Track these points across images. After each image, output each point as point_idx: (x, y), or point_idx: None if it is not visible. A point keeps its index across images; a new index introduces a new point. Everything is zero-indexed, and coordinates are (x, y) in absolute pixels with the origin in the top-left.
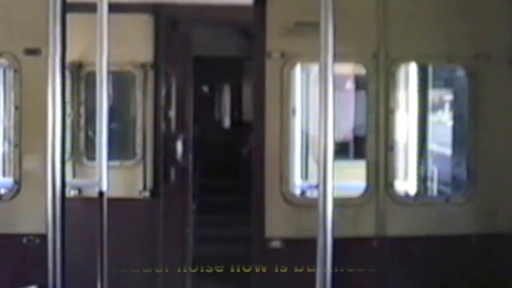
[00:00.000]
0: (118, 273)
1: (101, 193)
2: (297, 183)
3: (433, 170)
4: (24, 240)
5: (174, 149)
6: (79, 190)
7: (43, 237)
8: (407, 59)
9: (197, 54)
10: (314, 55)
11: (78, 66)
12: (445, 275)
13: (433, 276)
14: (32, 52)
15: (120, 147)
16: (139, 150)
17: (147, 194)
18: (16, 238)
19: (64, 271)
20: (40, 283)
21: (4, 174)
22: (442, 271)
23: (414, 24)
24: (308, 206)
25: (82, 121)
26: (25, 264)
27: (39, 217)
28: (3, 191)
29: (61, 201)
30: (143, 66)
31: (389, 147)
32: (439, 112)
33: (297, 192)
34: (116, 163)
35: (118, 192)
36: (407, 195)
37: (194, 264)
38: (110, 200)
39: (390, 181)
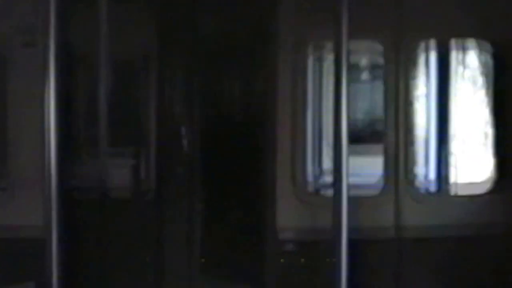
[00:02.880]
0: (121, 274)
1: (103, 193)
2: (311, 178)
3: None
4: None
5: (180, 145)
6: (80, 189)
7: (43, 238)
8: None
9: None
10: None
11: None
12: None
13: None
14: (29, 44)
15: (123, 143)
16: (143, 146)
17: (151, 192)
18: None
19: (61, 269)
20: (37, 280)
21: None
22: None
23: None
24: (322, 204)
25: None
26: (23, 261)
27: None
28: None
29: (60, 199)
30: (147, 57)
31: (409, 141)
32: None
33: (311, 188)
34: (119, 161)
35: (120, 192)
36: (427, 191)
37: (202, 264)
38: (112, 199)
39: (410, 177)
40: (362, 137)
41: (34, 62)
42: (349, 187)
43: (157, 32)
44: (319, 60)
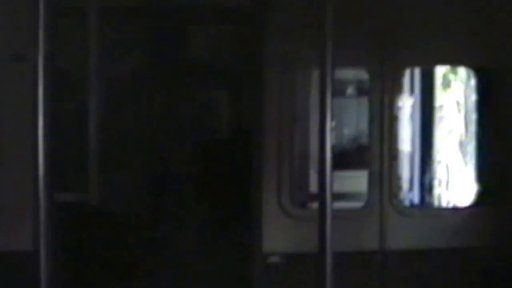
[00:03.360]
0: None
1: (93, 207)
2: (298, 193)
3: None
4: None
5: (169, 160)
6: (70, 204)
7: (34, 252)
8: (413, 63)
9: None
10: (314, 60)
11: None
12: None
13: None
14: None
15: (114, 158)
16: (133, 160)
17: (143, 206)
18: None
19: (51, 283)
20: None
21: None
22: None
23: (420, 28)
24: (308, 219)
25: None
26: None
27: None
28: None
29: (49, 214)
30: (137, 72)
31: (393, 155)
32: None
33: (297, 203)
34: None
35: (112, 207)
36: (412, 206)
37: (188, 279)
38: (103, 213)
39: (394, 191)
40: (347, 151)
41: (23, 76)
42: (334, 200)
43: (144, 49)
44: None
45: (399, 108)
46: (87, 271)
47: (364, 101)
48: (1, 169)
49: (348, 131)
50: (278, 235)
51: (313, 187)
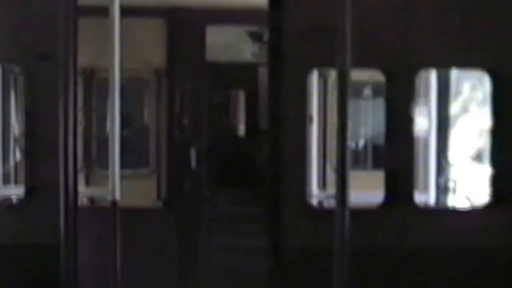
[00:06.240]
0: (131, 282)
1: (114, 203)
2: (315, 192)
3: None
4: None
5: (188, 158)
6: (92, 200)
7: (55, 247)
8: (428, 65)
9: (212, 60)
10: (331, 61)
11: (90, 73)
12: None
13: None
14: (44, 58)
15: (133, 155)
16: (153, 158)
17: (160, 203)
18: (27, 248)
19: (76, 280)
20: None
21: (16, 182)
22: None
23: (436, 29)
24: (325, 216)
25: (94, 128)
26: (37, 273)
27: (51, 227)
28: (14, 200)
29: (74, 210)
30: (156, 72)
31: (409, 155)
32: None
33: (315, 202)
34: (130, 172)
35: (131, 202)
36: (427, 204)
37: (209, 275)
38: (123, 209)
39: (410, 190)
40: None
41: (49, 75)
42: (352, 199)
43: (167, 47)
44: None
45: (415, 109)
46: None
47: (380, 102)
48: None
49: (364, 132)
50: (299, 230)
51: (331, 184)
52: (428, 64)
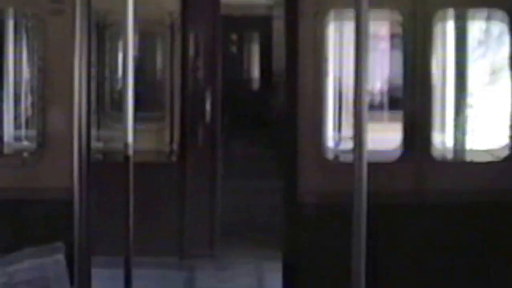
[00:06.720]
0: (143, 236)
1: (127, 157)
2: (330, 143)
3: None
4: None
5: (203, 109)
6: (104, 154)
7: (68, 199)
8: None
9: (226, 12)
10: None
11: (103, 16)
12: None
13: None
14: (57, 11)
15: (147, 108)
16: (166, 110)
17: (174, 157)
18: (40, 203)
19: (89, 230)
20: (65, 240)
21: (27, 138)
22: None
23: None
24: (342, 165)
25: (107, 82)
26: (52, 222)
27: (64, 179)
28: (26, 155)
29: (87, 162)
30: (170, 24)
31: (427, 107)
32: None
33: (331, 155)
34: (143, 125)
35: (144, 155)
36: (444, 157)
37: (222, 229)
38: (136, 164)
39: (428, 138)
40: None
41: (62, 28)
42: (368, 152)
43: None
44: (340, 27)
45: (431, 52)
46: None
47: (396, 55)
48: None
49: (381, 84)
50: (316, 178)
51: (347, 139)
52: (445, 4)
